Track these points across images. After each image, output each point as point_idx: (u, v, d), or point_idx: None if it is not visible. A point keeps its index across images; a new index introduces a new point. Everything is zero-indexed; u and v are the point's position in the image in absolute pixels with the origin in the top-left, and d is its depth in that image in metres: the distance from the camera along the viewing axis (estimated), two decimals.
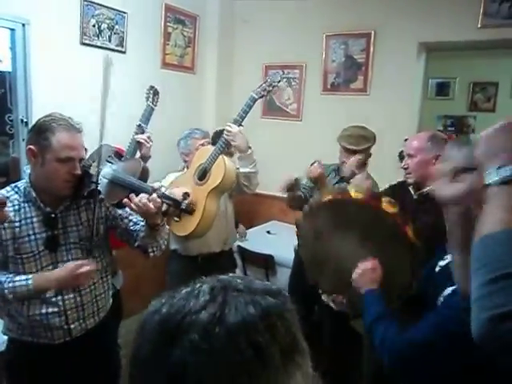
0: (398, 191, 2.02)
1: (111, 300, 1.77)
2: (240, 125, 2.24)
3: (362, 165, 2.41)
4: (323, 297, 1.81)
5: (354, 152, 2.36)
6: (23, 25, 2.57)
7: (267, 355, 0.47)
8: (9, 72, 2.82)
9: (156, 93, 2.48)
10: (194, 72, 3.79)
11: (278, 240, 3.39)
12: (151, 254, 1.63)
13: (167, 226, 1.66)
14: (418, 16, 3.10)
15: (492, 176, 0.75)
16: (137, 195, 1.48)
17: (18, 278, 1.42)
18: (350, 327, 2.58)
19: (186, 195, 1.68)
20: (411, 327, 1.17)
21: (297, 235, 1.77)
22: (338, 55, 3.50)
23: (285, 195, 2.56)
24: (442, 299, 1.17)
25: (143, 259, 1.72)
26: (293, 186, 2.44)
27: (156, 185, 1.53)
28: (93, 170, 1.53)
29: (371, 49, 3.33)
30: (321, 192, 2.38)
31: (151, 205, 1.44)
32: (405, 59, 3.23)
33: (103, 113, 1.54)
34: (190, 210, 1.63)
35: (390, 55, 3.27)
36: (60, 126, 1.43)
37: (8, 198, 1.47)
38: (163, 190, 2.16)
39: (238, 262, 3.18)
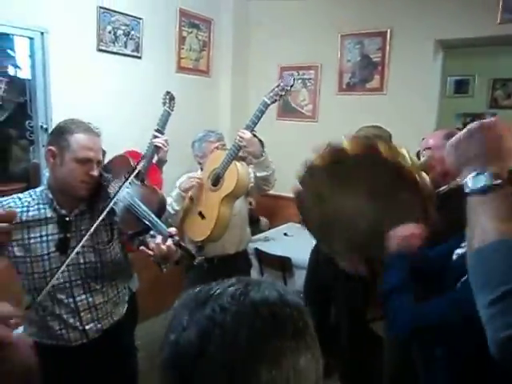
0: None
1: (126, 302, 1.78)
2: (252, 130, 2.21)
3: None
4: (341, 264, 1.73)
5: None
6: (42, 33, 2.63)
7: (282, 324, 0.54)
8: (28, 80, 2.89)
9: (172, 98, 2.52)
10: (209, 75, 3.81)
11: (295, 242, 3.37)
12: (164, 270, 1.61)
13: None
14: (435, 13, 3.05)
15: (470, 185, 0.73)
16: (148, 230, 1.46)
17: None
18: (369, 329, 2.55)
19: (201, 248, 1.60)
20: (427, 302, 1.14)
21: (298, 208, 1.65)
22: (354, 55, 3.47)
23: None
24: (459, 285, 1.15)
25: None
26: None
27: (173, 230, 1.44)
28: (111, 188, 1.52)
29: (387, 47, 3.30)
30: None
31: (165, 249, 1.39)
32: (422, 57, 3.18)
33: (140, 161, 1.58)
34: (201, 265, 1.53)
35: (407, 53, 3.23)
36: (79, 128, 1.46)
37: (20, 199, 1.51)
38: (170, 208, 2.13)
39: (255, 263, 3.17)
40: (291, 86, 2.17)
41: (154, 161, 2.51)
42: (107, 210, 1.48)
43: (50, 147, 1.47)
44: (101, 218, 1.47)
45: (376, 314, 2.44)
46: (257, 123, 2.20)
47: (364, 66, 3.45)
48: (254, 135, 2.21)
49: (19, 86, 3.11)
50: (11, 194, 1.59)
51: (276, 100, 2.18)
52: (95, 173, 1.49)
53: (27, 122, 3.01)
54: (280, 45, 3.83)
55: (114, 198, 1.48)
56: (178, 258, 1.45)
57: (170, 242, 1.39)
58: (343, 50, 3.51)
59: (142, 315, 2.72)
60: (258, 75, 3.99)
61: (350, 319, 2.35)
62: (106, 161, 1.66)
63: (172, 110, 2.51)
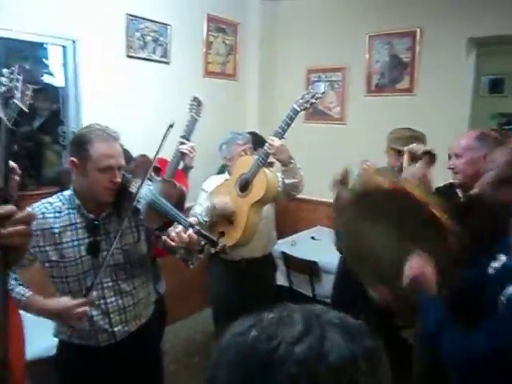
0: (445, 194, 1.93)
1: (153, 305, 1.80)
2: (282, 137, 2.17)
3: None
4: (370, 292, 1.73)
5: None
6: (73, 42, 2.70)
7: None
8: (62, 87, 2.98)
9: (200, 103, 2.51)
10: (236, 79, 3.82)
11: (322, 246, 3.33)
12: (191, 266, 1.63)
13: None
14: (466, 11, 2.96)
15: None
16: (171, 223, 1.50)
17: (17, 290, 1.45)
18: (400, 337, 2.48)
19: (221, 234, 1.63)
20: (477, 333, 1.11)
21: (334, 231, 1.70)
22: (382, 55, 3.41)
23: (333, 195, 2.45)
24: (503, 298, 1.11)
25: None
26: (347, 176, 2.31)
27: (193, 220, 1.50)
28: (133, 187, 1.55)
29: (417, 47, 3.22)
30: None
31: (186, 238, 1.43)
32: (454, 56, 3.09)
33: (155, 155, 1.58)
34: (224, 251, 1.58)
35: (438, 53, 3.14)
36: (98, 137, 1.47)
37: (51, 204, 1.56)
38: (200, 217, 2.15)
39: (282, 267, 3.15)
40: (322, 93, 2.12)
41: (180, 167, 2.52)
42: (129, 212, 1.51)
43: (72, 158, 1.49)
44: (125, 221, 1.51)
45: (405, 321, 2.38)
46: (286, 130, 2.16)
47: (393, 66, 3.38)
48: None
49: (53, 94, 3.22)
50: (45, 197, 1.64)
51: (306, 107, 2.12)
52: (118, 179, 1.51)
53: (60, 128, 3.11)
54: (307, 47, 3.81)
55: (136, 196, 1.51)
56: (201, 246, 1.49)
57: (190, 230, 1.43)
58: (371, 50, 3.45)
59: (169, 319, 2.74)
60: (284, 78, 3.98)
61: (380, 328, 2.29)
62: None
63: (199, 116, 2.51)
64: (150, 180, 1.63)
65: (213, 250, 1.58)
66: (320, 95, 2.10)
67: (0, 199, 0.80)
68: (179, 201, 1.62)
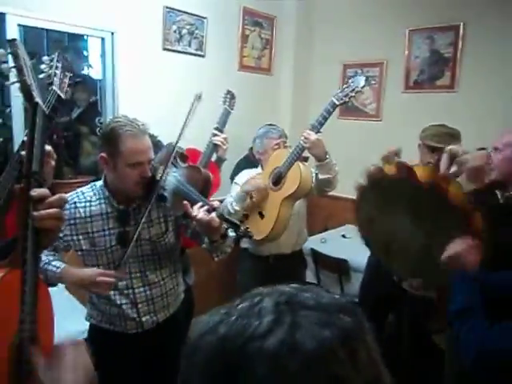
0: (482, 194, 1.83)
1: (182, 296, 1.81)
2: (318, 131, 2.13)
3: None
4: (403, 284, 1.68)
5: (442, 150, 2.18)
6: (112, 33, 2.74)
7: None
8: (100, 79, 3.04)
9: (233, 97, 2.53)
10: (270, 73, 3.80)
11: (353, 244, 3.25)
12: (215, 259, 1.63)
13: (232, 235, 1.63)
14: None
15: None
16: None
17: (53, 263, 1.52)
18: (431, 341, 2.40)
19: (245, 216, 1.62)
20: (499, 329, 1.06)
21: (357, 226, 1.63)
22: (423, 51, 3.30)
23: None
24: None
25: None
26: (395, 155, 2.24)
27: (216, 203, 1.50)
28: (159, 176, 1.56)
29: (460, 42, 3.09)
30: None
31: (207, 219, 1.42)
32: (498, 52, 2.95)
33: (179, 137, 1.60)
34: (248, 235, 1.56)
35: (482, 48, 3.01)
36: (127, 133, 1.45)
37: (83, 193, 1.60)
38: (230, 206, 2.14)
39: (311, 265, 3.11)
40: (362, 87, 2.06)
41: (213, 159, 2.53)
42: (153, 200, 1.54)
43: (102, 154, 1.50)
44: (148, 208, 1.53)
45: (439, 325, 2.30)
46: (323, 124, 2.11)
47: (433, 62, 3.27)
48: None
49: (91, 85, 3.29)
50: (81, 186, 1.68)
51: (345, 101, 2.07)
52: (148, 174, 1.51)
53: (97, 119, 3.17)
54: (344, 41, 3.73)
55: (160, 183, 1.53)
56: (224, 230, 1.50)
57: (213, 214, 1.43)
58: (411, 45, 3.35)
59: (198, 311, 2.76)
60: (320, 73, 3.92)
61: (412, 330, 2.22)
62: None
63: (232, 109, 2.52)
64: (176, 166, 1.64)
65: (235, 234, 1.58)
66: (360, 89, 2.05)
67: (34, 183, 0.81)
68: (204, 186, 1.63)
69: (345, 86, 2.10)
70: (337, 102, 2.07)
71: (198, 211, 1.43)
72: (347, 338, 0.42)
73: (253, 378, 0.39)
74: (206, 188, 1.64)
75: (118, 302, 1.58)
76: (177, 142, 1.62)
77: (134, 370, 1.63)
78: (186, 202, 1.48)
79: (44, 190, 0.82)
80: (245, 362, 0.40)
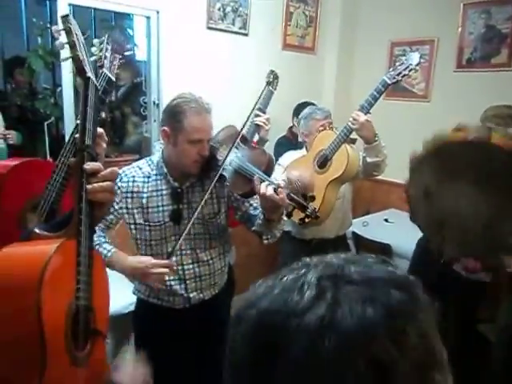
0: None
1: (226, 276, 1.83)
2: (368, 112, 2.04)
3: None
4: (455, 266, 1.57)
5: None
6: (157, 12, 2.75)
7: (393, 377, 0.36)
8: (144, 60, 3.08)
9: (276, 77, 2.50)
10: (314, 53, 3.71)
11: (396, 229, 3.19)
12: (265, 242, 1.63)
13: (285, 218, 1.61)
14: None
15: None
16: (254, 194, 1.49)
17: (104, 245, 1.56)
18: (477, 331, 2.32)
19: (311, 198, 1.59)
20: None
21: (407, 203, 1.51)
22: (478, 26, 3.11)
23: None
24: None
25: (257, 239, 1.73)
26: None
27: (282, 183, 1.46)
28: (220, 155, 1.57)
29: None
30: None
31: (278, 199, 1.39)
32: None
33: (248, 119, 1.61)
34: (315, 216, 1.52)
35: None
36: (191, 109, 1.48)
37: (141, 168, 1.62)
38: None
39: (352, 248, 3.07)
40: (417, 65, 1.94)
41: (255, 139, 2.52)
42: (216, 177, 1.53)
43: (164, 128, 1.54)
44: (212, 184, 1.54)
45: (486, 315, 2.22)
46: (373, 104, 2.02)
47: (489, 38, 3.07)
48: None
49: (136, 65, 3.34)
50: (125, 164, 1.71)
51: (398, 80, 1.96)
52: (206, 152, 1.53)
53: (142, 99, 3.23)
54: (391, 18, 3.57)
55: (222, 165, 1.52)
56: (291, 210, 1.48)
57: (284, 192, 1.40)
58: (465, 21, 3.16)
59: (238, 290, 2.80)
60: (365, 52, 3.78)
61: (459, 320, 2.14)
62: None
63: (275, 89, 2.49)
64: (237, 148, 1.63)
65: (304, 214, 1.55)
66: (414, 67, 1.93)
67: (88, 156, 0.83)
68: (268, 168, 1.60)
69: (398, 63, 1.99)
70: (389, 81, 1.97)
71: (266, 189, 1.41)
72: (393, 316, 0.39)
73: (291, 356, 0.38)
74: (269, 169, 1.62)
75: (167, 278, 1.61)
76: (244, 125, 1.61)
77: (178, 343, 1.67)
78: (255, 177, 1.46)
79: (97, 164, 0.84)
80: (284, 338, 0.39)
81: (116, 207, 1.57)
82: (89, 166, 0.82)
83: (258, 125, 2.43)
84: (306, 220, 1.69)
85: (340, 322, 0.38)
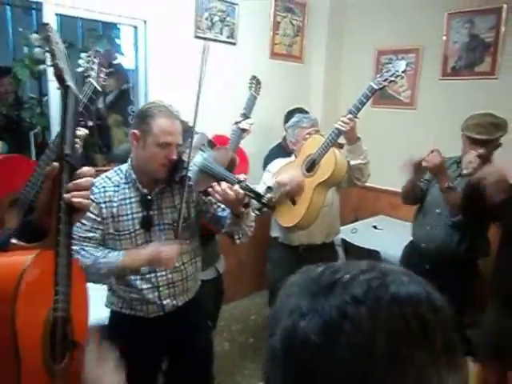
0: None
1: (199, 281, 1.82)
2: (355, 117, 2.09)
3: (485, 160, 2.11)
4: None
5: (485, 142, 2.08)
6: (145, 22, 2.76)
7: (432, 335, 0.43)
8: (132, 69, 3.08)
9: (258, 82, 2.58)
10: (302, 61, 3.74)
11: (385, 236, 3.21)
12: (237, 241, 1.65)
13: (253, 214, 1.67)
14: None
15: None
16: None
17: (111, 253, 1.53)
18: (465, 335, 2.32)
19: (269, 190, 1.65)
20: None
21: None
22: (461, 35, 3.16)
23: (406, 179, 2.33)
24: None
25: (246, 245, 1.74)
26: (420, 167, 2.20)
27: (241, 176, 1.53)
28: (185, 157, 1.58)
29: (502, 26, 2.94)
30: (440, 183, 2.17)
31: (232, 194, 1.45)
32: None
33: (197, 101, 1.63)
34: (270, 206, 1.60)
35: None
36: (160, 113, 1.52)
37: (110, 178, 1.62)
38: (270, 185, 2.17)
39: (341, 255, 3.07)
40: (403, 72, 1.99)
41: (241, 145, 2.55)
42: (187, 180, 1.58)
43: (134, 131, 1.55)
44: (186, 188, 1.59)
45: (472, 320, 2.22)
46: (360, 109, 2.07)
47: (472, 47, 3.13)
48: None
49: (124, 74, 3.33)
50: None
51: (384, 86, 2.02)
52: (174, 156, 1.55)
53: (129, 108, 3.22)
54: (377, 26, 3.62)
55: (188, 166, 1.56)
56: (247, 201, 1.53)
57: (236, 186, 1.47)
58: (450, 30, 3.21)
59: (226, 299, 2.78)
60: (352, 60, 3.83)
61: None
62: None
63: (258, 94, 2.55)
64: (202, 150, 1.68)
65: (259, 204, 1.62)
66: (400, 73, 1.98)
67: (67, 165, 0.83)
68: (230, 165, 1.68)
69: (384, 70, 2.04)
70: (375, 87, 2.01)
71: (220, 185, 1.48)
72: (432, 298, 0.45)
73: (348, 297, 0.44)
74: (231, 166, 1.71)
75: (139, 287, 1.60)
76: (194, 125, 1.64)
77: (156, 353, 1.66)
78: (210, 189, 1.51)
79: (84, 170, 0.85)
80: (341, 284, 0.45)
81: (95, 225, 1.55)
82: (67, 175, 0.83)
83: (244, 129, 2.49)
84: (263, 210, 1.82)
85: (391, 285, 0.44)
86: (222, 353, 2.10)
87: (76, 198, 0.83)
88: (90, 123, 2.87)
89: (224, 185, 1.48)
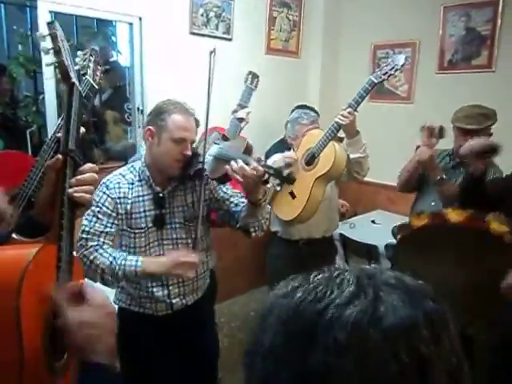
0: None
1: (209, 280, 1.83)
2: (355, 110, 2.10)
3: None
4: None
5: (476, 132, 2.09)
6: (140, 19, 2.74)
7: (431, 372, 0.38)
8: (127, 66, 3.06)
9: (255, 76, 2.59)
10: (298, 56, 3.73)
11: (383, 230, 3.20)
12: (253, 234, 1.63)
13: (269, 206, 1.66)
14: None
15: None
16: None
17: (129, 257, 1.51)
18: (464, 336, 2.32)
19: (288, 165, 1.63)
20: None
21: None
22: (458, 29, 3.16)
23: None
24: None
25: (245, 240, 1.73)
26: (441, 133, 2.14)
27: (257, 157, 1.52)
28: (201, 151, 1.59)
29: (498, 19, 2.95)
30: (432, 176, 2.17)
31: (249, 170, 1.41)
32: None
33: (208, 100, 1.65)
34: (291, 179, 1.59)
35: None
36: (176, 109, 1.54)
37: (124, 176, 1.62)
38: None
39: (340, 249, 3.08)
40: (402, 66, 2.01)
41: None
42: (205, 177, 1.59)
43: (149, 127, 1.56)
44: (203, 186, 1.60)
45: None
46: (360, 103, 2.08)
47: (469, 40, 3.13)
48: None
49: (119, 71, 3.32)
50: (111, 171, 1.70)
51: (384, 80, 2.04)
52: (189, 152, 1.55)
53: (126, 105, 3.21)
54: (374, 21, 3.62)
55: (203, 160, 1.56)
56: (267, 177, 1.49)
57: (255, 163, 1.43)
58: (446, 23, 3.21)
59: (225, 295, 2.78)
60: (349, 55, 3.83)
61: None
62: None
63: (255, 87, 2.56)
64: (217, 144, 1.71)
65: (279, 181, 1.69)
66: (400, 67, 2.00)
67: (71, 161, 0.85)
68: (246, 152, 1.62)
69: (384, 64, 2.06)
70: (375, 81, 2.03)
71: (238, 164, 1.44)
72: (431, 321, 0.41)
73: (331, 343, 0.39)
74: (248, 153, 1.64)
75: (149, 285, 1.60)
76: (206, 125, 1.64)
77: (162, 350, 1.66)
78: (227, 166, 1.49)
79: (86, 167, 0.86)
80: (322, 327, 0.40)
81: (111, 220, 1.55)
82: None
83: (241, 119, 2.51)
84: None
85: (384, 316, 0.39)
86: (222, 349, 2.10)
87: (78, 193, 0.83)
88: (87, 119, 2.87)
89: (241, 162, 1.44)
